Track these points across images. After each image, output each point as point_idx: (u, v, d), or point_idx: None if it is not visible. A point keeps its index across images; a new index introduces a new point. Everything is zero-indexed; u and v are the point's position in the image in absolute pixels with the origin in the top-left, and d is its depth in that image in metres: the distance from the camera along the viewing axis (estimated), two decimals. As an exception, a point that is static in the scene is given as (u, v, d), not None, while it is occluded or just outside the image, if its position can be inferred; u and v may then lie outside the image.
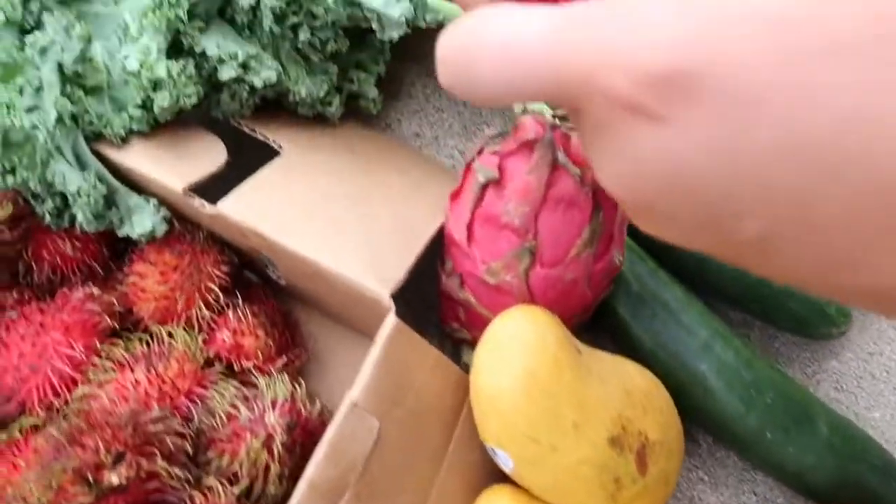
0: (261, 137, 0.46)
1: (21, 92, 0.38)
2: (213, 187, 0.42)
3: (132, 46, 0.41)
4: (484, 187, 0.41)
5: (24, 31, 0.40)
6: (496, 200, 0.42)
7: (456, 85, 0.19)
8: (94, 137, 0.40)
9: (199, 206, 0.40)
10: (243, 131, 0.46)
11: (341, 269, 0.38)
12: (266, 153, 0.45)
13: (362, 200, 0.42)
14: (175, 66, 0.39)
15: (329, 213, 0.41)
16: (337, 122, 0.50)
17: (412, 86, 0.57)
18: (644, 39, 0.15)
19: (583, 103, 0.16)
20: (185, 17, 0.40)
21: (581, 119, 0.17)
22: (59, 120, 0.37)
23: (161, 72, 0.39)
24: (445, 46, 0.19)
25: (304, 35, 0.44)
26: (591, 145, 0.17)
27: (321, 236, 0.39)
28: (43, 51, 0.38)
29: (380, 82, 0.52)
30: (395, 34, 0.44)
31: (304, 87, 0.46)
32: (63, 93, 0.38)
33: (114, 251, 0.44)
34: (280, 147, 0.46)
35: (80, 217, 0.39)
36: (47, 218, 0.40)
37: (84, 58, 0.40)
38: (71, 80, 0.39)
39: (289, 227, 0.39)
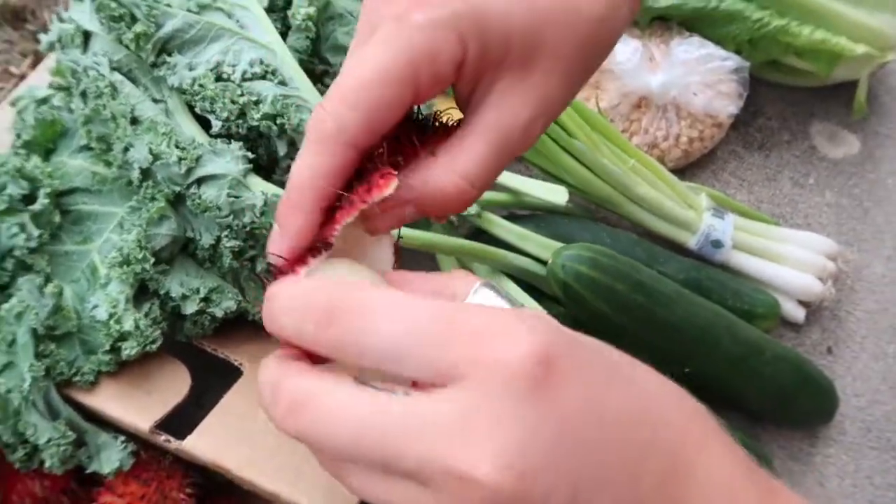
0: (222, 356, 0.49)
1: (-5, 351, 0.41)
2: (179, 415, 0.45)
3: (101, 294, 0.44)
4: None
5: (-1, 288, 0.43)
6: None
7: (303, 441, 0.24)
8: (65, 383, 0.43)
9: (165, 441, 0.43)
10: (206, 351, 0.49)
11: (297, 498, 0.41)
12: (228, 370, 0.49)
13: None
14: (142, 319, 0.43)
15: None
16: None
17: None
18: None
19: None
20: (150, 269, 0.44)
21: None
22: (34, 382, 0.40)
23: (129, 325, 0.42)
24: (282, 419, 0.24)
25: (261, 265, 0.49)
26: None
27: (282, 468, 0.42)
28: (18, 316, 0.41)
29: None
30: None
31: (262, 307, 0.50)
32: (36, 354, 0.41)
33: (80, 480, 0.46)
34: (241, 365, 0.49)
35: (48, 463, 0.42)
36: (17, 464, 0.42)
37: (56, 310, 0.43)
38: (43, 337, 0.42)
39: (251, 461, 0.42)
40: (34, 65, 0.80)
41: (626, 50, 0.66)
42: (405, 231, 0.53)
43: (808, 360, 0.59)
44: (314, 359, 0.25)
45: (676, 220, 0.63)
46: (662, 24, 0.71)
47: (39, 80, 0.72)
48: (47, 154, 0.53)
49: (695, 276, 0.60)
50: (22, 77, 0.79)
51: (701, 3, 0.67)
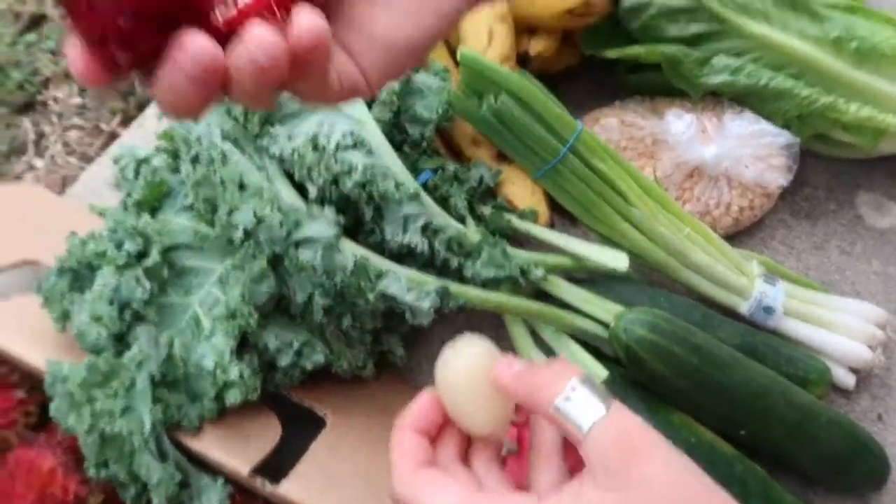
0: (308, 407, 0.53)
1: (116, 395, 0.45)
2: (272, 460, 0.49)
3: (206, 345, 0.48)
4: (505, 458, 0.47)
5: (117, 337, 0.48)
6: (517, 469, 0.48)
7: None
8: (173, 426, 0.47)
9: (261, 485, 0.47)
10: (293, 401, 0.53)
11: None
12: (314, 420, 0.52)
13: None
14: (245, 369, 0.47)
15: (372, 488, 0.47)
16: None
17: (430, 331, 0.65)
18: None
19: None
20: (254, 323, 0.48)
21: None
22: (153, 426, 0.44)
23: (234, 375, 0.46)
24: None
25: (346, 322, 0.53)
26: None
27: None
28: (139, 365, 0.45)
29: (404, 337, 0.60)
30: (424, 321, 0.52)
31: (346, 361, 0.53)
32: (153, 398, 0.45)
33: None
34: (325, 416, 0.52)
35: (156, 501, 0.45)
36: (129, 502, 0.46)
37: (168, 359, 0.47)
38: (158, 383, 0.46)
39: (339, 506, 0.46)
40: (123, 122, 0.86)
41: (681, 123, 0.70)
42: (475, 293, 0.56)
43: (861, 427, 0.60)
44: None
45: (729, 286, 0.66)
46: (714, 98, 0.75)
47: (132, 139, 0.78)
48: (153, 211, 0.58)
49: (749, 340, 0.63)
50: (111, 134, 0.85)
51: (751, 80, 0.71)
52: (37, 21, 0.95)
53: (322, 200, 0.54)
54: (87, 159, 0.86)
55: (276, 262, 0.52)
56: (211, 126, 0.54)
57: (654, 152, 0.73)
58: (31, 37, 0.92)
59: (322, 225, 0.51)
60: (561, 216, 0.72)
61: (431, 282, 0.54)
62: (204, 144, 0.53)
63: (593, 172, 0.64)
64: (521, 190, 0.66)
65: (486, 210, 0.65)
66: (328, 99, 0.27)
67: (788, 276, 0.70)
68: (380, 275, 0.52)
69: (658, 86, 0.77)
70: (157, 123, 0.78)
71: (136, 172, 0.63)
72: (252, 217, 0.50)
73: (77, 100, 0.88)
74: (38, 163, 0.86)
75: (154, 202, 0.58)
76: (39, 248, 0.59)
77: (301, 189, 0.55)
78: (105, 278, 0.49)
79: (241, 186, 0.52)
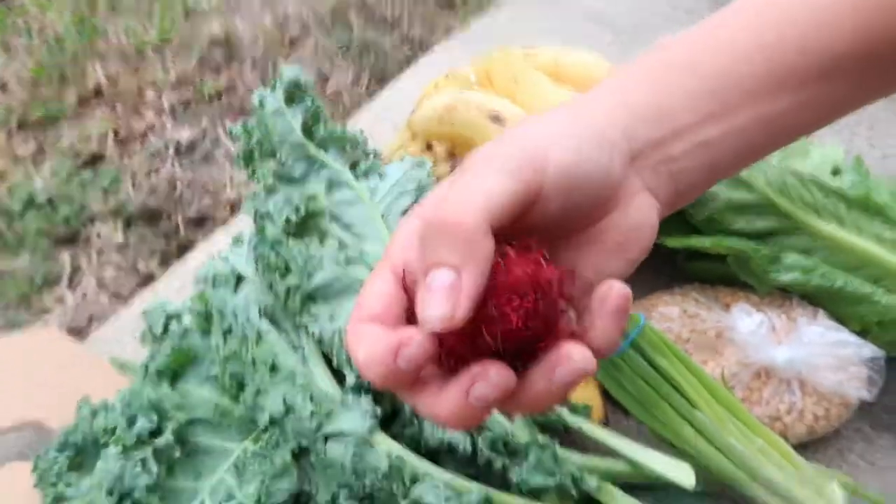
0: None
1: None
2: None
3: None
4: None
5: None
6: None
7: None
8: None
9: None
10: None
11: None
12: None
13: None
14: None
15: None
16: None
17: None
18: None
19: None
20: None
21: None
22: None
23: None
24: None
25: (374, 533, 0.46)
26: None
27: None
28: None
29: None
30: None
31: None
32: None
33: None
34: None
35: None
36: None
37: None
38: None
39: None
40: (162, 263, 0.84)
41: (750, 322, 0.65)
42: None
43: None
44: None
45: (808, 512, 0.58)
46: (782, 294, 0.70)
47: (166, 286, 0.76)
48: (175, 378, 0.53)
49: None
50: (148, 275, 0.83)
51: (825, 282, 0.67)
52: (95, 160, 0.96)
53: (360, 388, 0.49)
54: (119, 299, 0.83)
55: (300, 454, 0.46)
56: (249, 299, 0.50)
57: (718, 347, 0.67)
58: (86, 174, 0.94)
59: (356, 417, 0.46)
60: (615, 409, 0.65)
61: (473, 489, 0.47)
62: (239, 319, 0.49)
63: (655, 370, 0.59)
64: (573, 381, 0.61)
65: (535, 401, 0.59)
66: None
67: (877, 502, 0.61)
68: (415, 479, 0.46)
69: (720, 274, 0.73)
70: (195, 273, 0.76)
71: (165, 328, 0.60)
72: (281, 404, 0.45)
73: (119, 238, 0.87)
74: (69, 297, 0.83)
75: (177, 369, 0.54)
76: (51, 406, 0.55)
77: (338, 373, 0.50)
78: (108, 462, 0.44)
79: (273, 368, 0.48)
